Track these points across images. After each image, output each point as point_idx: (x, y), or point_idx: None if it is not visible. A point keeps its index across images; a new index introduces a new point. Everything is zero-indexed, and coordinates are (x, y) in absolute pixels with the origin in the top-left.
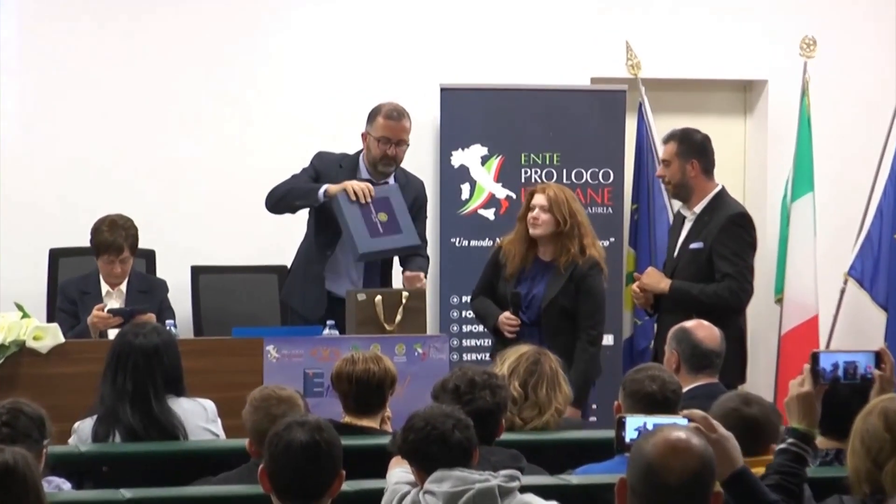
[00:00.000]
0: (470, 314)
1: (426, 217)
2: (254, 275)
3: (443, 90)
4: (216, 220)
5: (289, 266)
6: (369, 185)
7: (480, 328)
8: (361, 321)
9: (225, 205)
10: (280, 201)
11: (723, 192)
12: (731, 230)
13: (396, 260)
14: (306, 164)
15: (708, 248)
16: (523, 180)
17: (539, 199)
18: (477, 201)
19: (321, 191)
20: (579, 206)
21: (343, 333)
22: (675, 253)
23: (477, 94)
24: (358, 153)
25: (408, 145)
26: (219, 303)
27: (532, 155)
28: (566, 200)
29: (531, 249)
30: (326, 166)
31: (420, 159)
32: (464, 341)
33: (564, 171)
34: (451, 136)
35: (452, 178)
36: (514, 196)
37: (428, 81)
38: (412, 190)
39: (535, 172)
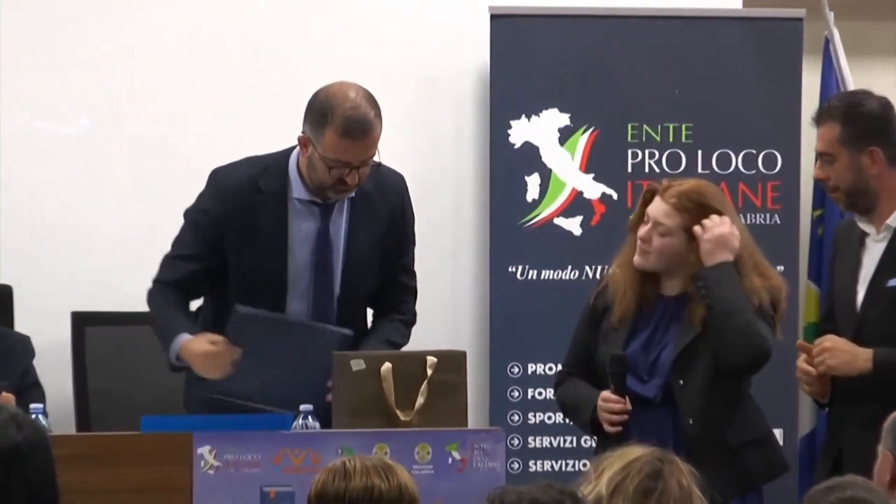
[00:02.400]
0: (543, 393)
1: (414, 240)
2: None
3: (494, 17)
4: (111, 246)
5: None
6: (219, 349)
7: (561, 418)
8: (358, 406)
9: (126, 222)
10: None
11: None
12: None
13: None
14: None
15: None
16: (631, 169)
17: (657, 209)
18: (552, 204)
19: (172, 353)
20: (733, 212)
21: (327, 426)
22: (860, 297)
23: (551, 23)
24: (285, 157)
25: (373, 160)
26: (117, 371)
27: (646, 127)
28: (705, 205)
29: (649, 282)
30: (230, 201)
31: (455, 134)
32: (532, 439)
33: (700, 153)
34: (509, 95)
35: (510, 164)
36: (614, 195)
37: (471, 1)
38: (385, 203)
39: (652, 156)
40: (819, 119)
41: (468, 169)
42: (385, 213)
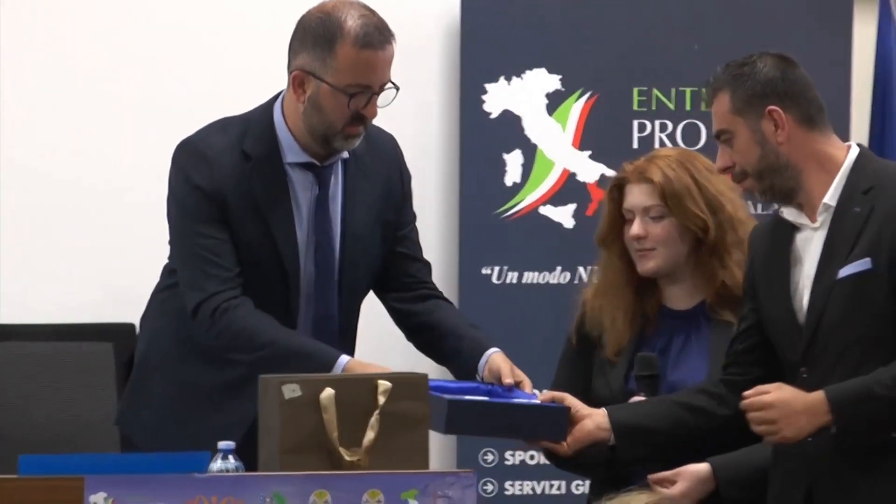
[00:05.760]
0: None
1: (412, 208)
2: (69, 343)
3: None
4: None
5: (138, 325)
6: None
7: (542, 461)
8: (292, 442)
9: (23, 217)
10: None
11: (867, 154)
12: None
13: (375, 312)
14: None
15: (885, 265)
16: (637, 144)
17: (637, 195)
18: (538, 189)
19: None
20: (723, 184)
21: (251, 468)
22: (805, 302)
23: None
24: (266, 114)
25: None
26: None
27: (656, 92)
28: (694, 177)
29: (647, 296)
30: (222, 172)
31: (417, 101)
32: (511, 485)
33: None
34: (484, 52)
35: (485, 139)
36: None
37: None
38: (380, 166)
39: (664, 129)
40: (707, 96)
41: (433, 145)
42: (382, 178)
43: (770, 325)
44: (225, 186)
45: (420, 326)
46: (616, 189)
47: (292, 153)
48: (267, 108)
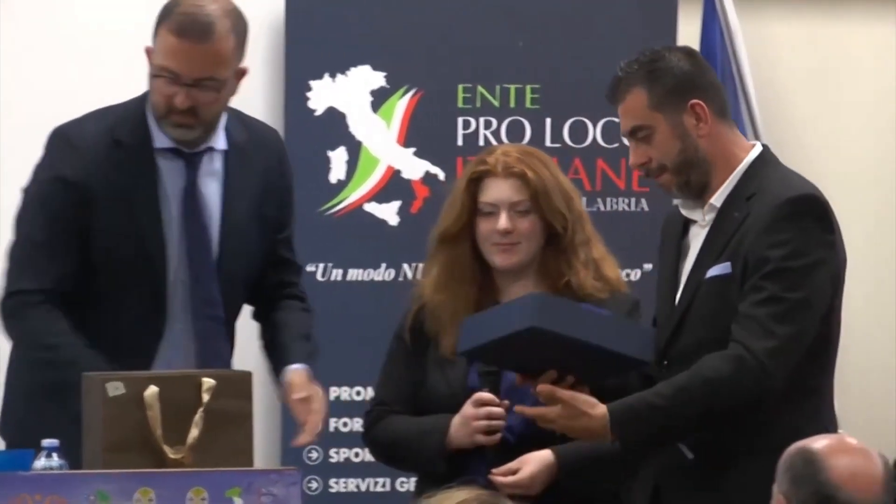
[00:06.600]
0: (349, 424)
1: (293, 210)
2: None
3: None
4: None
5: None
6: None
7: (367, 458)
8: (116, 440)
9: None
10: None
11: (766, 158)
12: (786, 229)
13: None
14: None
15: (738, 274)
16: (462, 141)
17: (504, 189)
18: (363, 186)
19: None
20: (572, 187)
21: (76, 466)
22: (679, 292)
23: None
24: (140, 101)
25: (222, 84)
26: None
27: (481, 89)
28: (555, 177)
29: (486, 294)
30: (90, 161)
31: (239, 98)
32: (336, 482)
33: (549, 122)
34: (309, 48)
35: (309, 136)
36: (441, 175)
37: None
38: (260, 158)
39: (488, 126)
40: (616, 93)
41: None
42: (261, 170)
43: (656, 309)
44: (91, 175)
45: (263, 323)
46: (473, 182)
47: (159, 139)
48: (141, 97)
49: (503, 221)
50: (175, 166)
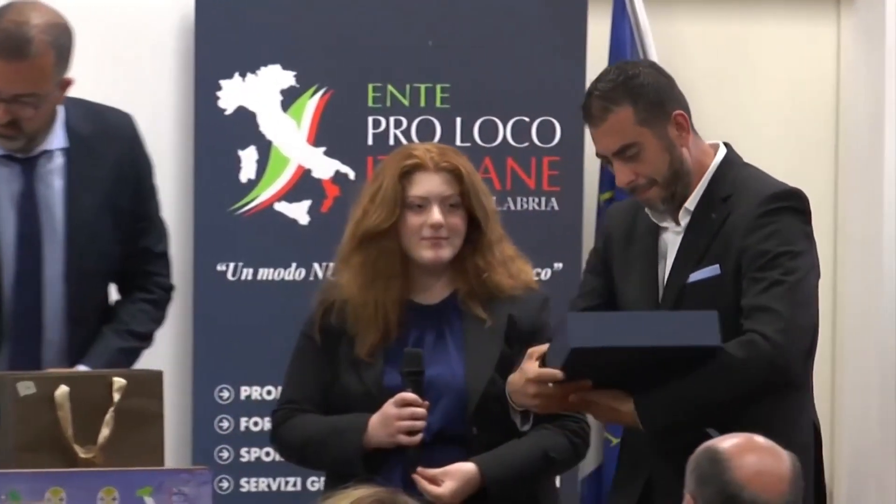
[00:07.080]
0: (259, 424)
1: (154, 194)
2: None
3: None
4: None
5: None
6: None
7: (279, 457)
8: (27, 440)
9: None
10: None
11: (731, 159)
12: (772, 222)
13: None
14: None
15: (731, 272)
16: (372, 141)
17: (437, 183)
18: (273, 185)
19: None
20: (485, 185)
21: None
22: (660, 297)
23: None
24: None
25: (42, 99)
26: None
27: (391, 88)
28: (476, 174)
29: (403, 290)
30: None
31: (149, 98)
32: (247, 482)
33: (459, 122)
34: (219, 47)
35: (219, 135)
36: (351, 175)
37: None
38: (110, 148)
39: (398, 125)
40: (597, 114)
41: (167, 141)
42: (112, 161)
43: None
44: None
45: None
46: (408, 171)
47: None
48: None
49: (436, 215)
50: (11, 171)
